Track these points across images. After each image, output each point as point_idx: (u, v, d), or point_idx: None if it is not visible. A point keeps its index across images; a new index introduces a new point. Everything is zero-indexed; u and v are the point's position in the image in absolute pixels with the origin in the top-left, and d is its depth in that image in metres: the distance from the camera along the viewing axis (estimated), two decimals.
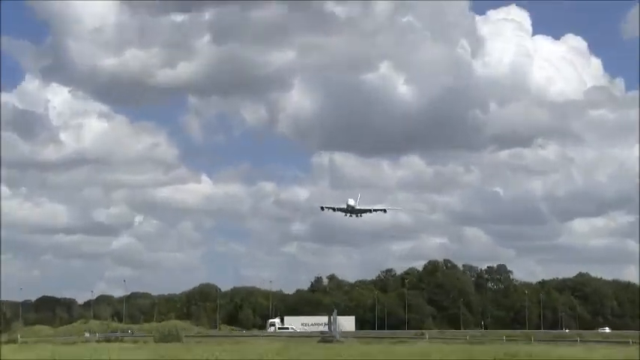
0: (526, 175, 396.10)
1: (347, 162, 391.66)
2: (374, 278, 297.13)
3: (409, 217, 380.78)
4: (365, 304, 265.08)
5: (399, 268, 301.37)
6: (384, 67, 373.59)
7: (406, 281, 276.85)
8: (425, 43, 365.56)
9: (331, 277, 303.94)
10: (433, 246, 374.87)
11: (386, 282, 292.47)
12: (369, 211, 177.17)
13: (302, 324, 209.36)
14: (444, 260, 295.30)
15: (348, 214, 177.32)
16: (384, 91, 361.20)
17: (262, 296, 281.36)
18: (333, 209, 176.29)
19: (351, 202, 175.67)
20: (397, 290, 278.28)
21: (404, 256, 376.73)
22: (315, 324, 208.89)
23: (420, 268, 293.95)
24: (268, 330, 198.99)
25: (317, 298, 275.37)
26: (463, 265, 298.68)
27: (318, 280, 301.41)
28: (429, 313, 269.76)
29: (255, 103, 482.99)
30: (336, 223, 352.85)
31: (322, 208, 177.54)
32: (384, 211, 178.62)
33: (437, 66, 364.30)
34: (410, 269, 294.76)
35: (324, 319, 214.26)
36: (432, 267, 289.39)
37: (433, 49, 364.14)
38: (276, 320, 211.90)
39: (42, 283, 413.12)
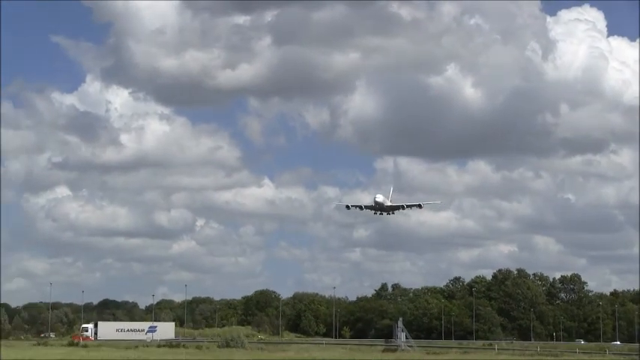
0: (599, 182, 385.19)
1: (411, 167, 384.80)
2: (441, 286, 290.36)
3: (476, 223, 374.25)
4: (431, 312, 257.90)
5: (467, 276, 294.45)
6: (451, 70, 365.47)
7: (474, 290, 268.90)
8: (493, 45, 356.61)
9: (396, 285, 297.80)
10: (501, 254, 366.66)
11: (453, 290, 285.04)
12: (402, 207, 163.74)
13: (117, 330, 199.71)
14: (517, 270, 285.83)
15: (378, 212, 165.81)
16: (450, 94, 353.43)
17: (324, 303, 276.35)
18: (361, 207, 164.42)
19: (379, 198, 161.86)
20: (465, 299, 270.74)
21: (471, 264, 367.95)
22: (131, 330, 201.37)
23: (489, 277, 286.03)
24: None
25: (381, 306, 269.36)
26: (534, 274, 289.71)
27: (383, 287, 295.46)
28: (498, 323, 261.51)
29: (318, 105, 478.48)
30: (401, 230, 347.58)
31: (348, 207, 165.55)
32: (420, 206, 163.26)
33: (506, 68, 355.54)
34: (478, 277, 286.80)
35: (142, 324, 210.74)
36: (502, 276, 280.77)
37: (502, 51, 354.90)
38: (90, 326, 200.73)
39: (103, 287, 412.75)
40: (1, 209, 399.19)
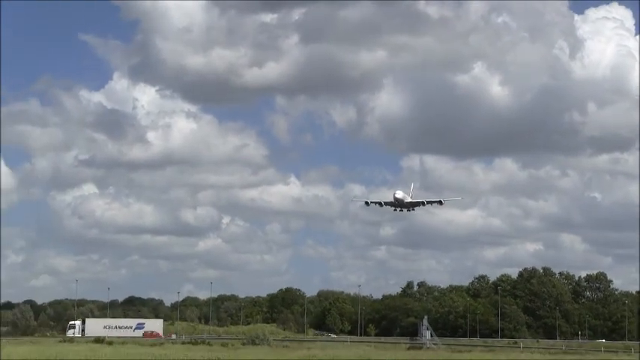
0: (626, 180, 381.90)
1: (438, 165, 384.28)
2: (466, 284, 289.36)
3: (502, 222, 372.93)
4: (456, 310, 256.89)
5: (492, 275, 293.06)
6: (478, 68, 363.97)
7: (499, 288, 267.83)
8: (521, 44, 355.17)
9: (422, 283, 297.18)
10: (527, 252, 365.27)
11: (478, 288, 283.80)
12: (422, 203, 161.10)
13: (104, 327, 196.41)
14: (543, 268, 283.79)
15: (398, 209, 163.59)
16: (477, 92, 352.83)
17: (350, 301, 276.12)
18: (380, 204, 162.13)
19: (399, 194, 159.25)
20: (490, 297, 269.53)
21: (496, 263, 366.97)
22: (119, 327, 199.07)
23: (514, 275, 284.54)
24: (68, 333, 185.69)
25: (406, 304, 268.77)
26: (560, 273, 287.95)
27: (409, 285, 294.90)
28: (524, 321, 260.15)
29: (344, 103, 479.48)
30: (427, 228, 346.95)
31: (367, 203, 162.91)
32: (440, 202, 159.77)
33: (533, 67, 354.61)
34: (503, 276, 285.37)
35: (131, 321, 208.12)
36: (528, 274, 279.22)
37: (529, 49, 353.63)
38: (77, 322, 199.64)
39: (129, 284, 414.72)
40: (29, 206, 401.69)
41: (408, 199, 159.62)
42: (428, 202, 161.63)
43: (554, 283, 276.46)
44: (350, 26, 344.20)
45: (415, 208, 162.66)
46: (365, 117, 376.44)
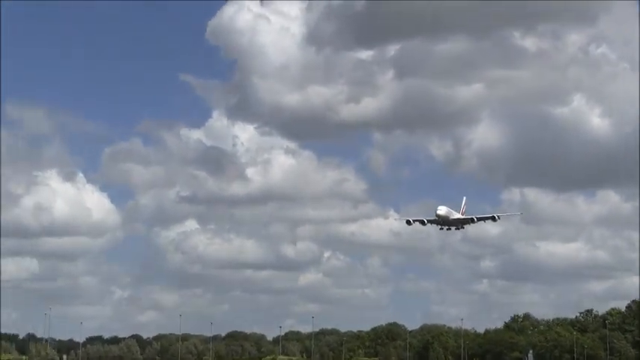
0: None
1: (539, 197, 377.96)
2: (572, 318, 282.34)
3: (607, 254, 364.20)
4: (563, 345, 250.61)
5: (599, 309, 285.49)
6: (577, 100, 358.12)
7: (607, 322, 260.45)
8: (622, 75, 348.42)
9: (526, 316, 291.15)
10: (635, 285, 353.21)
11: (584, 323, 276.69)
12: (471, 220, 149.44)
13: None
14: None
15: (445, 227, 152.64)
16: (576, 124, 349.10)
17: (452, 335, 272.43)
18: (423, 222, 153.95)
19: (442, 211, 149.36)
20: (598, 331, 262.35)
21: (603, 296, 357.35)
22: None
23: (622, 309, 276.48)
24: None
25: (510, 338, 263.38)
26: None
27: (514, 318, 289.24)
28: (634, 356, 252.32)
29: (441, 137, 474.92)
30: (528, 261, 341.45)
31: (409, 222, 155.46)
32: (494, 219, 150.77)
33: (634, 97, 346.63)
34: (613, 310, 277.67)
35: None
36: (637, 307, 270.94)
37: (630, 79, 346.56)
38: None
39: (231, 318, 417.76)
40: (133, 243, 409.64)
41: (455, 216, 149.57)
42: (479, 219, 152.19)
43: None
44: (445, 61, 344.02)
45: (464, 226, 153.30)
46: (462, 150, 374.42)
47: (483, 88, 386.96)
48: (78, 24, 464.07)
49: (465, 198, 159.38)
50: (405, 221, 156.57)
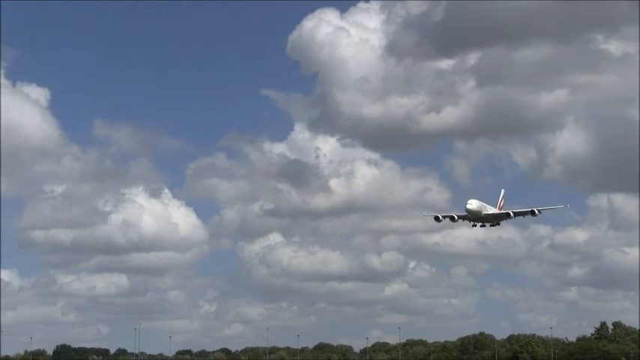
0: None
1: (627, 203, 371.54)
2: None
3: None
4: None
5: None
6: None
7: None
8: None
9: (617, 324, 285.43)
10: None
11: None
12: (507, 215, 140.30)
13: None
14: None
15: (479, 224, 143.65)
16: None
17: (542, 344, 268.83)
18: (453, 218, 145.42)
19: (472, 205, 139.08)
20: None
21: None
22: None
23: None
24: None
25: (602, 346, 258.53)
26: None
27: (603, 326, 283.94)
28: None
29: (525, 144, 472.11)
30: (616, 267, 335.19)
31: (437, 219, 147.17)
32: (533, 213, 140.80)
33: None
34: None
35: None
36: None
37: None
38: None
39: (318, 330, 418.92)
40: (219, 257, 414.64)
41: (489, 211, 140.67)
42: (517, 214, 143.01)
43: None
44: (526, 67, 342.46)
45: (499, 222, 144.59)
46: (547, 157, 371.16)
47: (567, 94, 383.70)
48: (164, 47, 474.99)
49: (502, 191, 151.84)
50: (433, 217, 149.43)
